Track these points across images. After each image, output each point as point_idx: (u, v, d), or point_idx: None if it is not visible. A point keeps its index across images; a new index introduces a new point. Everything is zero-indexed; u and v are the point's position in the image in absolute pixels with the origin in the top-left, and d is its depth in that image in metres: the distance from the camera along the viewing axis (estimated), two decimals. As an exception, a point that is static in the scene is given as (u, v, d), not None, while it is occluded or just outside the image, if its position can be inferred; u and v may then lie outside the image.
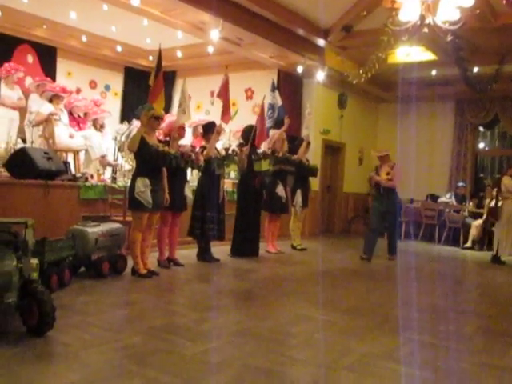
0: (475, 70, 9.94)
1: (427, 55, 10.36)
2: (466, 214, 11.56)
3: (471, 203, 11.88)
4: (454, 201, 11.99)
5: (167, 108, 11.55)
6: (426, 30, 6.55)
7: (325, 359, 3.38)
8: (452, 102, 13.02)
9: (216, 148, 7.12)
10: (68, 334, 3.53)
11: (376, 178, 8.29)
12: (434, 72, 11.24)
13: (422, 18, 6.25)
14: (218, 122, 7.06)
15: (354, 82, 9.72)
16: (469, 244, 11.11)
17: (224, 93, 7.12)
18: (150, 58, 11.99)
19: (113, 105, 12.13)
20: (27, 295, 3.38)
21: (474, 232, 11.08)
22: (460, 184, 12.31)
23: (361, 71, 9.23)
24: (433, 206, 12.07)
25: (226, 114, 7.13)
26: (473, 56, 9.59)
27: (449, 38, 7.09)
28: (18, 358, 3.02)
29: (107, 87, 12.69)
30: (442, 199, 12.26)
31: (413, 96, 11.79)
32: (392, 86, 12.49)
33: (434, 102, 12.97)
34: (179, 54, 11.24)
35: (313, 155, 10.32)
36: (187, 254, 7.13)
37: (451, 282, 7.15)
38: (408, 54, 9.76)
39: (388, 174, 8.24)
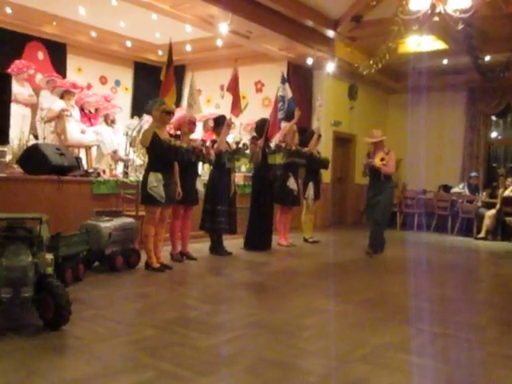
0: (487, 58, 9.83)
1: (438, 44, 10.29)
2: (479, 204, 11.46)
3: (484, 193, 11.78)
4: (466, 191, 11.91)
5: (177, 102, 11.59)
6: (436, 18, 6.51)
7: (337, 351, 3.39)
8: (464, 91, 12.89)
9: (227, 141, 7.13)
10: (83, 327, 3.57)
11: (373, 163, 7.71)
12: (445, 61, 11.16)
13: (433, 6, 6.21)
14: (228, 115, 7.07)
15: (365, 73, 9.68)
16: (482, 234, 11.04)
17: (233, 86, 7.11)
18: (160, 52, 12.02)
19: (123, 100, 12.17)
20: (43, 289, 3.43)
21: (487, 222, 11.00)
22: (473, 174, 12.21)
23: (371, 62, 9.18)
24: (445, 197, 12.01)
25: (235, 107, 7.13)
26: (484, 44, 9.50)
27: (460, 27, 7.03)
28: (35, 350, 3.07)
29: (117, 82, 12.74)
30: (455, 190, 12.18)
31: (424, 86, 11.71)
32: (403, 77, 12.42)
33: (445, 91, 12.87)
34: (188, 47, 11.25)
35: (323, 147, 10.30)
36: (200, 247, 7.17)
37: (464, 272, 7.13)
38: (419, 43, 9.67)
39: (382, 159, 7.75)
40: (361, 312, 4.49)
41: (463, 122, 13.06)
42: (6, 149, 6.21)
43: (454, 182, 12.70)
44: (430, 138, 12.67)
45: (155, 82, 6.74)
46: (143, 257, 5.84)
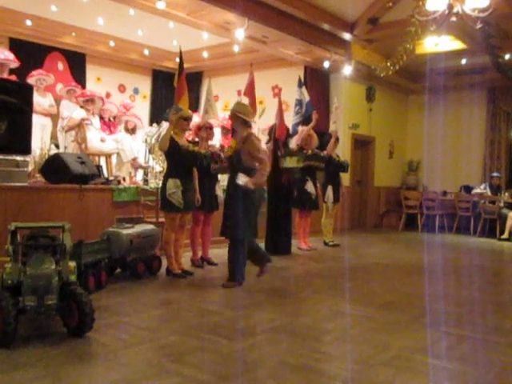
0: (507, 56, 9.70)
1: (456, 44, 10.18)
2: (502, 204, 11.29)
3: (507, 193, 11.61)
4: (488, 191, 11.74)
5: (195, 108, 11.67)
6: (454, 18, 6.45)
7: (361, 355, 3.37)
8: (483, 90, 12.72)
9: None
10: (106, 334, 3.61)
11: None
12: (463, 61, 11.03)
13: (450, 6, 6.16)
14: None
15: (382, 75, 9.62)
16: (506, 235, 10.87)
17: (250, 91, 7.14)
18: (177, 59, 12.10)
19: (142, 108, 12.30)
20: (67, 297, 3.47)
21: (510, 223, 10.83)
22: (495, 174, 12.02)
23: (388, 63, 9.13)
24: (467, 198, 11.85)
25: (253, 112, 7.14)
26: (504, 42, 9.38)
27: (478, 26, 6.95)
28: (60, 358, 3.10)
29: (136, 90, 12.87)
30: (477, 190, 12.02)
31: (442, 86, 11.61)
32: (421, 77, 12.31)
33: (463, 91, 12.72)
34: (205, 54, 11.33)
35: (342, 150, 10.27)
36: (220, 252, 7.17)
37: (488, 274, 7.03)
38: (436, 43, 9.60)
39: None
40: (383, 315, 4.45)
41: (483, 122, 12.89)
42: (28, 158, 6.31)
43: (476, 182, 12.54)
44: (450, 139, 12.55)
45: (173, 88, 6.79)
46: (164, 263, 5.88)
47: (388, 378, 3.01)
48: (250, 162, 5.26)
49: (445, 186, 12.53)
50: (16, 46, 9.84)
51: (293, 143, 7.95)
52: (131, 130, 9.10)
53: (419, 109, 13.63)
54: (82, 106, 8.49)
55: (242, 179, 5.13)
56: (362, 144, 12.39)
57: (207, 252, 6.66)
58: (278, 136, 7.69)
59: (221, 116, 9.38)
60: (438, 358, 3.37)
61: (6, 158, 5.77)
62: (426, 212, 12.15)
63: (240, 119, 5.39)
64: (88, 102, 8.52)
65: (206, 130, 6.26)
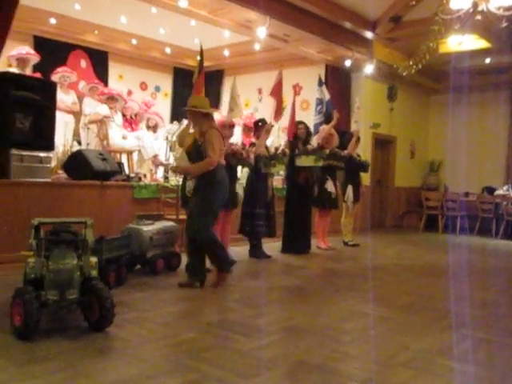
0: (532, 56, 9.56)
1: (480, 43, 10.05)
2: (525, 206, 11.12)
3: (530, 195, 11.43)
4: (511, 193, 11.57)
5: (216, 106, 11.70)
6: (479, 17, 6.36)
7: (380, 355, 3.35)
8: (507, 90, 12.53)
9: (266, 146, 7.14)
10: (126, 329, 3.64)
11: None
12: (487, 60, 10.88)
13: (475, 4, 6.08)
14: (268, 119, 7.09)
15: (404, 74, 9.54)
16: (528, 238, 10.70)
17: (277, 91, 7.14)
18: (198, 57, 12.15)
19: (163, 105, 12.38)
20: (88, 292, 3.51)
21: (533, 225, 10.67)
22: (518, 176, 11.86)
23: (411, 63, 9.06)
24: (489, 199, 11.69)
25: (278, 112, 7.15)
26: (529, 42, 9.24)
27: (503, 25, 6.84)
28: (80, 352, 3.14)
29: (157, 88, 12.95)
30: (499, 192, 11.84)
31: (465, 86, 11.45)
32: (444, 77, 12.18)
33: (487, 91, 12.54)
34: (226, 52, 11.34)
35: (363, 149, 10.20)
36: (239, 250, 7.20)
37: (509, 277, 6.93)
38: (460, 42, 9.47)
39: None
40: (402, 316, 4.42)
41: (507, 122, 12.69)
42: (51, 155, 6.40)
43: (498, 183, 12.36)
44: (473, 139, 12.37)
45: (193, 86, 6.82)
46: (184, 260, 5.91)
47: (407, 380, 2.99)
48: None
49: (467, 187, 12.37)
50: (40, 44, 9.98)
51: (314, 142, 7.92)
52: (152, 128, 9.17)
53: (441, 109, 13.47)
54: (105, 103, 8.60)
55: (180, 161, 5.05)
56: (382, 144, 12.30)
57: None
58: (288, 136, 7.68)
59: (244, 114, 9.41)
60: (458, 360, 3.33)
61: (29, 154, 5.86)
62: (447, 213, 12.02)
63: (198, 113, 5.13)
64: (110, 99, 8.61)
65: (228, 128, 6.28)
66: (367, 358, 3.32)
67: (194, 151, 5.15)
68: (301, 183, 7.57)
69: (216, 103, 12.14)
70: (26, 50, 8.13)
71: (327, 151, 7.97)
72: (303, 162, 7.48)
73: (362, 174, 9.20)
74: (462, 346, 3.64)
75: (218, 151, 5.02)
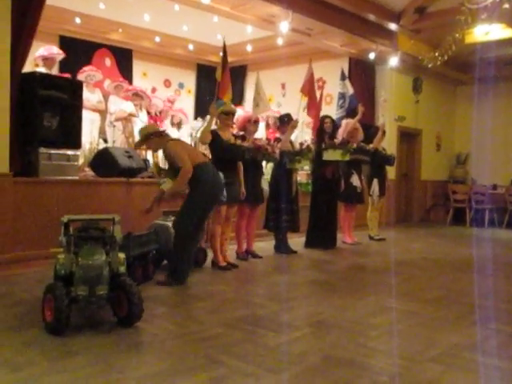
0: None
1: (508, 32, 9.83)
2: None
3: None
4: (541, 185, 11.34)
5: (239, 102, 11.72)
6: (506, 6, 6.23)
7: (408, 351, 3.32)
8: (535, 79, 12.26)
9: (291, 141, 7.13)
10: (154, 324, 3.68)
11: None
12: (515, 50, 10.65)
13: (502, -7, 5.95)
14: (294, 115, 7.09)
15: (430, 66, 9.40)
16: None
17: (308, 87, 7.12)
18: (221, 54, 12.18)
19: (187, 102, 12.45)
20: (116, 288, 3.55)
21: None
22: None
23: (436, 54, 8.92)
24: (518, 192, 11.47)
25: (312, 108, 7.11)
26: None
27: (532, 13, 6.69)
28: (111, 346, 3.19)
29: (181, 85, 13.02)
30: (529, 184, 11.62)
31: (492, 76, 11.23)
32: (470, 68, 11.94)
33: (516, 81, 12.29)
34: (249, 48, 11.33)
35: (388, 143, 10.10)
36: (264, 246, 7.21)
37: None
38: (487, 32, 9.29)
39: None
40: (431, 311, 4.38)
41: (536, 113, 12.43)
42: (78, 153, 6.50)
43: (528, 175, 12.11)
44: (500, 130, 12.14)
45: (216, 82, 6.84)
46: (210, 255, 5.95)
47: (436, 375, 2.96)
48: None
49: (495, 180, 12.16)
50: (65, 43, 10.11)
51: (339, 136, 7.86)
52: (177, 125, 9.23)
53: (468, 100, 13.24)
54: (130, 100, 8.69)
55: (166, 185, 5.03)
56: (408, 137, 12.16)
57: (252, 245, 6.69)
58: (313, 128, 7.63)
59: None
60: (489, 355, 3.28)
61: (57, 153, 5.95)
62: (475, 206, 11.83)
63: (153, 139, 5.08)
64: (135, 96, 8.69)
65: (253, 123, 6.28)
66: (395, 353, 3.30)
67: (170, 169, 5.14)
68: (328, 177, 7.53)
69: (239, 99, 12.16)
70: (47, 48, 8.20)
71: (354, 145, 7.91)
72: (330, 156, 7.44)
73: (388, 168, 9.11)
74: (491, 341, 3.59)
75: (185, 156, 4.87)
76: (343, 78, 9.82)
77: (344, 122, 8.51)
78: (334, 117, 9.69)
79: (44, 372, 2.78)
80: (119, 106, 8.69)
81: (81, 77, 8.48)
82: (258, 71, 7.54)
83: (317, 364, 3.06)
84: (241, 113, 7.31)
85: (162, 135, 5.15)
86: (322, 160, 7.44)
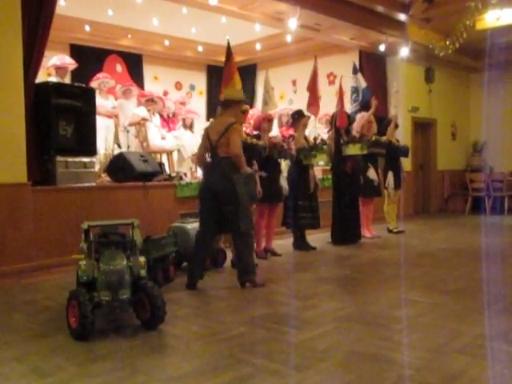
0: None
1: (520, 16, 9.69)
2: None
3: None
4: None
5: (250, 101, 11.71)
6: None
7: (433, 343, 3.30)
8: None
9: (305, 136, 7.10)
10: (177, 326, 3.70)
11: None
12: (528, 34, 10.48)
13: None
14: (303, 110, 7.06)
15: (441, 55, 9.31)
16: None
17: (312, 84, 7.09)
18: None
19: (198, 103, 12.48)
20: (138, 291, 3.58)
21: None
22: None
23: (448, 42, 8.84)
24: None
25: (313, 105, 7.09)
26: None
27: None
28: (136, 350, 3.22)
29: (192, 87, 13.07)
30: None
31: (506, 62, 11.08)
32: (483, 54, 11.76)
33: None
34: (258, 46, 11.32)
35: (402, 134, 10.02)
36: (283, 243, 7.21)
37: None
38: (498, 17, 9.17)
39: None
40: (454, 302, 4.34)
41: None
42: (94, 159, 6.56)
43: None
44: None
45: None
46: (229, 256, 5.96)
47: (462, 366, 2.93)
48: None
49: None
50: (76, 51, 10.21)
51: (353, 130, 7.82)
52: (189, 127, 9.27)
53: (482, 87, 13.05)
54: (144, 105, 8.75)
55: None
56: (422, 127, 12.06)
57: (271, 243, 6.69)
58: (340, 124, 7.56)
59: (279, 107, 9.39)
60: (516, 344, 3.25)
61: (74, 160, 6.02)
62: (493, 194, 11.69)
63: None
64: (149, 101, 8.75)
65: (267, 121, 6.28)
66: (420, 345, 3.27)
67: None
68: (348, 172, 7.50)
69: (250, 98, 12.15)
70: (59, 58, 8.25)
71: (373, 138, 7.87)
72: (350, 150, 7.42)
73: (403, 160, 9.03)
74: (518, 330, 3.54)
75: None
76: (355, 71, 9.74)
77: (359, 115, 8.47)
78: (349, 111, 9.66)
79: (72, 377, 2.81)
80: (126, 109, 8.74)
81: (94, 84, 8.55)
82: (267, 70, 7.52)
83: (342, 359, 3.05)
84: (256, 113, 7.31)
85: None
86: (341, 156, 7.42)
